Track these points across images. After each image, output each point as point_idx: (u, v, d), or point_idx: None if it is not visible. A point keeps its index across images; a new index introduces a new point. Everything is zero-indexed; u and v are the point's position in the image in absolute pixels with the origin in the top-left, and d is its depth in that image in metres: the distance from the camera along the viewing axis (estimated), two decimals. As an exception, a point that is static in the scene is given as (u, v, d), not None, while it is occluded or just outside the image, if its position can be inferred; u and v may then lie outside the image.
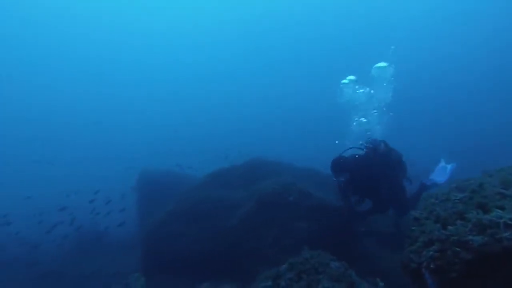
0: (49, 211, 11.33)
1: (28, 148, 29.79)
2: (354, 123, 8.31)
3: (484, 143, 18.50)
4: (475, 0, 32.49)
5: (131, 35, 41.97)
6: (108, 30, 41.29)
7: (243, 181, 7.44)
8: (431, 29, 34.49)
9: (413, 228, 3.01)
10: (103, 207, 10.72)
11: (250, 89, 38.19)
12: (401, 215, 5.66)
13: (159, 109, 37.33)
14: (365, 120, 8.31)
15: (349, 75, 8.68)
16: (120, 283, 6.37)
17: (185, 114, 35.10)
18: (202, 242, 6.10)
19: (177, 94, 39.54)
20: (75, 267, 9.59)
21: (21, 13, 36.54)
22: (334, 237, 5.23)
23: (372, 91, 8.57)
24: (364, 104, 8.47)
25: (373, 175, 5.21)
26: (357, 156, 5.52)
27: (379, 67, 8.65)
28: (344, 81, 8.91)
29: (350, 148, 5.69)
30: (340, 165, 5.25)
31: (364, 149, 5.63)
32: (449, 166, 6.13)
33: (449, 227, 2.58)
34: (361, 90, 8.69)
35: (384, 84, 8.72)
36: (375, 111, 8.37)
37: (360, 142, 5.74)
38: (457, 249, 2.39)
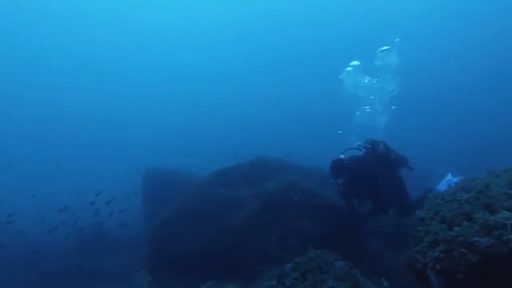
0: (53, 210, 11.32)
1: (30, 148, 29.79)
2: (358, 113, 8.28)
3: (484, 143, 18.50)
4: (475, 0, 32.46)
5: (133, 35, 41.97)
6: (110, 30, 41.27)
7: (248, 180, 7.46)
8: (431, 29, 34.46)
9: (418, 228, 3.01)
10: (105, 207, 10.71)
11: (252, 88, 38.19)
12: (403, 216, 5.67)
13: (162, 108, 37.31)
14: (369, 109, 8.30)
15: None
16: (126, 282, 6.39)
17: (186, 114, 35.10)
18: (207, 241, 6.12)
19: (178, 94, 39.51)
20: (77, 267, 9.59)
21: (22, 13, 36.46)
22: (339, 236, 5.25)
23: (375, 81, 8.56)
24: (368, 95, 8.46)
25: (372, 176, 5.20)
26: (356, 157, 5.50)
27: (384, 50, 8.63)
28: (348, 68, 8.90)
29: (349, 149, 5.67)
30: (339, 167, 5.25)
31: (363, 150, 5.61)
32: (455, 180, 6.14)
33: (455, 228, 2.57)
34: (365, 81, 8.68)
35: (389, 77, 8.72)
36: (367, 107, 8.35)
37: (359, 143, 5.72)
38: (463, 250, 2.39)
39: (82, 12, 39.00)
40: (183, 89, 40.14)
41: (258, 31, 40.71)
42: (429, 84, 30.64)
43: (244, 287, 5.39)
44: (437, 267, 2.51)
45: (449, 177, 6.14)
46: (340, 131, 7.95)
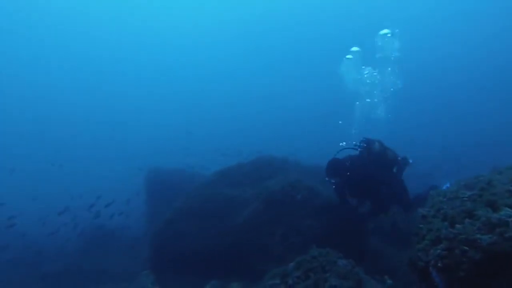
0: (54, 212, 11.34)
1: (31, 149, 29.79)
2: (357, 102, 8.25)
3: (485, 142, 18.47)
4: (475, 0, 32.40)
5: (134, 35, 41.98)
6: (110, 30, 41.30)
7: (251, 179, 7.48)
8: (431, 28, 34.39)
9: (420, 226, 3.02)
10: (107, 208, 10.72)
11: (254, 88, 38.15)
12: (404, 212, 5.68)
13: (164, 108, 37.32)
14: (369, 100, 8.28)
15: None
16: (129, 282, 6.41)
17: (187, 114, 35.09)
18: (210, 240, 6.15)
19: (180, 93, 39.51)
20: (79, 268, 9.61)
21: (22, 13, 36.49)
22: (341, 235, 5.26)
23: (375, 73, 8.54)
24: (369, 88, 8.44)
25: (368, 176, 5.17)
26: (351, 157, 5.47)
27: (385, 34, 8.60)
28: (348, 56, 8.86)
29: (345, 148, 5.65)
30: (334, 166, 5.24)
31: (358, 149, 5.58)
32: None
33: (457, 226, 2.56)
34: (365, 72, 8.65)
35: (389, 69, 8.71)
36: (368, 100, 8.32)
37: (354, 142, 5.68)
38: (465, 248, 2.38)
39: (82, 12, 39.05)
40: (185, 89, 40.15)
41: (259, 30, 40.69)
42: (428, 83, 30.57)
43: (247, 286, 5.41)
44: (439, 264, 2.50)
45: (447, 185, 6.17)
46: (341, 122, 7.93)
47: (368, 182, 5.15)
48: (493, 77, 28.52)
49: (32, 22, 38.17)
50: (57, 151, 26.26)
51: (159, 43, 43.07)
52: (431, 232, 2.81)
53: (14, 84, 38.89)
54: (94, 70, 41.44)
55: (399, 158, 5.68)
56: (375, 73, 8.68)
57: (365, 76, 8.62)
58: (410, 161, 5.94)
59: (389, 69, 8.60)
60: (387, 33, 8.62)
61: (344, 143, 5.69)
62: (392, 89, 8.48)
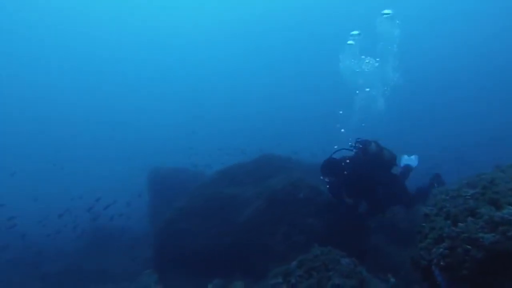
0: (55, 212, 11.43)
1: (32, 149, 29.97)
2: (357, 91, 8.16)
3: (486, 140, 18.26)
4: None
5: (135, 35, 42.02)
6: (111, 29, 41.38)
7: (253, 178, 7.47)
8: (430, 28, 34.00)
9: (423, 224, 3.00)
10: (110, 208, 10.76)
11: (257, 86, 38.08)
12: (406, 209, 5.65)
13: (167, 108, 37.40)
14: (368, 89, 8.19)
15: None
16: (131, 281, 6.45)
17: (190, 113, 35.11)
18: (213, 239, 6.17)
19: (183, 93, 39.54)
20: (81, 268, 9.66)
21: (23, 12, 36.64)
22: (344, 233, 5.24)
23: (377, 60, 8.45)
24: (369, 75, 8.35)
25: (363, 176, 5.12)
26: (347, 157, 5.41)
27: (386, 14, 8.50)
28: (349, 42, 8.77)
29: (342, 149, 5.58)
30: (329, 166, 5.20)
31: (354, 150, 5.52)
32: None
33: (460, 224, 2.55)
34: (366, 61, 8.56)
35: (390, 59, 8.61)
36: (367, 89, 8.24)
37: (350, 143, 5.62)
38: (468, 246, 2.37)
39: (82, 11, 39.09)
40: (187, 88, 40.19)
41: (261, 29, 40.61)
42: (429, 81, 30.29)
43: (250, 285, 5.42)
44: (441, 263, 2.49)
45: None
46: (341, 111, 7.85)
47: (363, 183, 5.10)
48: (497, 74, 28.15)
49: (31, 21, 38.21)
50: (58, 151, 26.39)
51: (161, 43, 43.10)
52: (433, 230, 2.80)
53: (15, 84, 39.10)
54: (94, 69, 41.55)
55: (396, 159, 5.61)
56: (376, 64, 8.58)
57: (366, 63, 8.51)
58: (414, 165, 5.89)
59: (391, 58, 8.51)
60: (388, 13, 8.52)
61: (336, 146, 5.62)
62: (393, 81, 8.38)
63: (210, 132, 28.56)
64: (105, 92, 40.29)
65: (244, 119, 32.40)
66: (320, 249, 3.98)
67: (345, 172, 5.12)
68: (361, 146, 5.35)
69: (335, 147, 5.56)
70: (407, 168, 6.04)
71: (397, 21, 8.87)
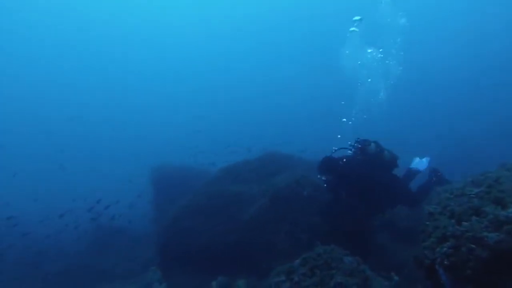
0: (57, 213, 11.50)
1: (35, 149, 30.13)
2: (359, 83, 8.10)
3: (491, 137, 18.03)
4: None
5: (141, 33, 42.07)
6: (117, 28, 41.47)
7: (257, 176, 7.49)
8: (434, 22, 33.59)
9: (427, 223, 2.98)
10: (109, 210, 10.80)
11: (262, 84, 37.97)
12: (412, 207, 5.60)
13: (172, 106, 37.49)
14: (370, 80, 8.12)
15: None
16: (136, 279, 6.50)
17: (196, 111, 35.17)
18: (217, 237, 6.18)
19: (188, 91, 39.58)
20: (84, 267, 9.68)
21: (24, 12, 36.79)
22: (347, 231, 5.22)
23: (380, 51, 8.37)
24: (372, 64, 8.28)
25: (361, 176, 5.04)
26: (345, 156, 5.35)
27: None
28: (352, 28, 8.68)
29: (341, 148, 5.51)
30: (327, 164, 5.13)
31: (352, 150, 5.44)
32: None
33: (464, 223, 2.53)
34: (369, 50, 8.48)
35: (393, 51, 8.54)
36: (370, 79, 8.16)
37: (349, 142, 5.55)
38: (472, 245, 2.35)
39: (87, 10, 39.21)
40: (192, 87, 40.21)
41: (265, 26, 40.47)
42: (430, 79, 30.00)
43: (253, 283, 5.43)
44: (445, 262, 2.48)
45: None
46: (343, 102, 7.80)
47: (359, 183, 5.02)
48: (503, 70, 27.74)
49: (34, 20, 38.38)
50: (61, 151, 26.51)
51: (165, 41, 43.13)
52: (437, 229, 2.78)
53: (17, 85, 39.32)
54: (97, 68, 41.66)
55: (397, 160, 5.52)
56: (380, 55, 8.50)
57: (369, 52, 8.43)
58: (422, 168, 5.82)
59: (393, 51, 8.43)
60: None
61: (335, 148, 5.56)
62: (396, 73, 8.30)
63: (216, 130, 28.57)
64: (110, 91, 40.42)
65: (250, 117, 32.36)
66: (323, 247, 3.96)
67: (341, 171, 5.05)
68: (359, 146, 5.26)
69: (334, 148, 5.49)
70: (413, 171, 5.97)
71: (400, 13, 8.78)
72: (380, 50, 8.43)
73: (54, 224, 11.33)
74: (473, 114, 22.85)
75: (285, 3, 38.39)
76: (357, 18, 8.50)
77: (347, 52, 8.58)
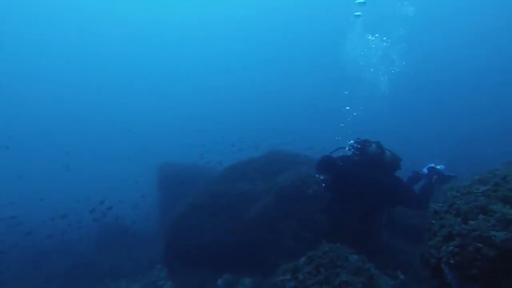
0: (61, 213, 11.58)
1: (38, 151, 30.35)
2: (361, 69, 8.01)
3: (499, 135, 17.77)
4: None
5: (143, 33, 42.16)
6: (118, 28, 41.57)
7: (262, 174, 7.48)
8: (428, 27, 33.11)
9: (433, 221, 2.95)
10: (110, 210, 10.86)
11: (268, 82, 37.92)
12: (417, 209, 5.50)
13: (179, 104, 37.58)
14: (372, 70, 8.05)
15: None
16: (142, 276, 6.53)
17: (204, 109, 35.22)
18: (222, 235, 6.18)
19: (194, 89, 39.65)
20: (91, 265, 9.78)
21: (28, 11, 36.95)
22: (353, 230, 5.19)
23: (384, 42, 8.29)
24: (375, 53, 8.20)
25: (357, 177, 4.94)
26: (344, 156, 5.23)
27: None
28: (356, 13, 8.57)
29: (340, 148, 5.39)
30: (325, 163, 5.03)
31: (351, 150, 5.26)
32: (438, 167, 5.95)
33: (471, 222, 2.50)
34: (372, 39, 8.39)
35: (396, 41, 8.44)
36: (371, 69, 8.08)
37: (349, 142, 5.37)
38: (479, 244, 2.33)
39: (93, 11, 39.32)
40: (197, 85, 40.29)
41: (268, 23, 40.34)
42: (434, 77, 29.66)
43: (259, 281, 5.44)
44: (451, 261, 2.45)
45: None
46: (347, 92, 7.75)
47: (356, 183, 4.93)
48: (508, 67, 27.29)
49: (40, 20, 38.62)
50: (67, 152, 26.65)
51: (170, 40, 43.22)
52: (443, 228, 2.75)
53: (26, 84, 39.66)
54: (101, 68, 41.86)
55: (399, 161, 5.38)
56: (384, 44, 8.40)
57: (371, 41, 8.34)
58: (425, 171, 5.72)
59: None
60: None
61: (340, 137, 5.48)
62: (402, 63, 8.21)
63: (223, 128, 28.56)
64: (116, 92, 40.63)
65: (257, 115, 32.30)
66: (329, 245, 3.94)
67: (338, 171, 4.96)
68: (359, 146, 5.11)
69: (332, 151, 5.41)
70: (417, 175, 5.85)
71: (406, 2, 8.67)
72: (384, 38, 8.35)
73: (58, 224, 11.44)
74: (475, 112, 22.62)
75: (290, 1, 38.15)
76: (361, 0, 8.40)
77: (349, 41, 8.49)
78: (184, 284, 6.18)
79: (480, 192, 2.74)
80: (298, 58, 38.23)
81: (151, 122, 34.74)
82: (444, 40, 32.65)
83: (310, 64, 35.88)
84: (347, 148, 5.25)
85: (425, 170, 5.88)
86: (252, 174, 7.59)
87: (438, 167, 5.84)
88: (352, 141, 5.22)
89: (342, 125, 6.92)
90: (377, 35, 8.37)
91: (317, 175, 5.08)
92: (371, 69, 8.04)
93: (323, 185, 5.04)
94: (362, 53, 8.23)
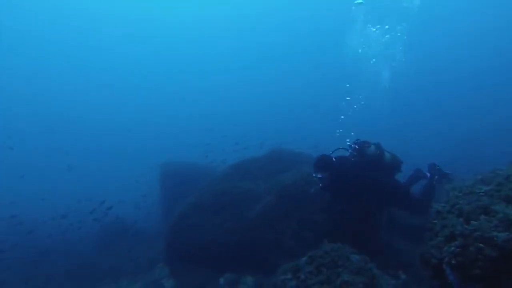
0: (61, 213, 11.63)
1: (40, 151, 30.47)
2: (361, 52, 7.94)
3: (502, 134, 17.63)
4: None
5: (144, 33, 42.24)
6: (122, 27, 41.63)
7: (265, 173, 7.46)
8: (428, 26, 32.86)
9: (434, 221, 2.93)
10: (110, 210, 10.90)
11: (276, 79, 37.86)
12: (417, 214, 5.43)
13: (183, 103, 37.64)
14: (374, 60, 8.00)
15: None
16: (144, 275, 6.55)
17: (208, 108, 35.25)
18: (224, 234, 6.19)
19: (195, 89, 39.67)
20: (92, 265, 9.78)
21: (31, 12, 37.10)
22: (353, 229, 5.17)
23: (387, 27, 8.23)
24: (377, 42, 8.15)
25: (354, 179, 4.88)
26: (342, 157, 5.17)
27: None
28: (358, 1, 8.52)
29: (340, 148, 5.34)
30: (322, 162, 4.98)
31: (349, 151, 5.22)
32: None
33: (473, 222, 2.48)
34: (374, 29, 8.35)
35: (398, 34, 8.39)
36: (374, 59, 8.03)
37: (348, 143, 5.35)
38: (481, 245, 2.31)
39: (95, 11, 39.44)
40: (201, 85, 40.31)
41: (271, 22, 40.26)
42: (426, 81, 29.46)
43: (260, 280, 5.44)
44: (453, 262, 2.44)
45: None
46: (348, 85, 7.70)
47: (354, 184, 4.88)
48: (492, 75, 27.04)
49: (42, 20, 38.74)
50: (69, 151, 26.73)
51: (172, 40, 43.24)
52: (445, 228, 2.73)
53: (29, 84, 39.81)
54: (104, 68, 41.97)
55: (399, 164, 5.30)
56: (387, 35, 8.35)
57: (373, 31, 8.29)
58: (428, 174, 5.64)
59: (398, 34, 8.29)
60: None
61: (341, 130, 5.42)
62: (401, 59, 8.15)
63: (228, 127, 28.56)
64: (117, 91, 40.74)
65: (262, 114, 32.27)
66: (330, 245, 3.92)
67: (335, 171, 4.90)
68: (357, 147, 5.06)
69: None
70: (419, 173, 5.78)
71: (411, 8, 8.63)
72: (386, 26, 8.30)
73: (59, 224, 11.49)
74: (475, 112, 22.47)
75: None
76: (359, 0, 8.37)
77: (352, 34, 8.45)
78: (186, 283, 6.19)
79: (483, 192, 2.72)
80: (300, 56, 38.11)
81: (152, 122, 34.84)
82: (444, 40, 32.43)
83: (312, 63, 35.78)
84: (345, 148, 5.23)
85: (426, 173, 5.80)
86: (255, 173, 7.57)
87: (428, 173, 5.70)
88: (348, 141, 5.20)
89: (342, 117, 6.87)
90: (378, 26, 8.32)
91: (314, 174, 5.04)
92: (373, 59, 8.01)
93: (320, 185, 5.00)
94: (362, 42, 8.20)
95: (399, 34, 8.42)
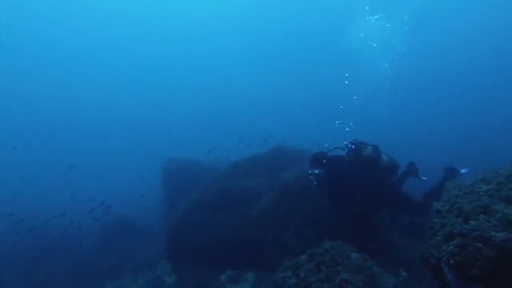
0: (62, 212, 11.69)
1: (41, 151, 30.62)
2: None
3: (503, 134, 17.51)
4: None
5: (145, 32, 42.26)
6: (122, 27, 41.66)
7: (267, 170, 7.49)
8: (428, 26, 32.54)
9: (434, 220, 2.92)
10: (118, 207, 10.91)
11: (280, 76, 37.78)
12: (417, 216, 5.37)
13: (187, 101, 37.67)
14: (375, 45, 7.97)
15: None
16: (147, 272, 6.59)
17: (211, 104, 35.25)
18: (225, 231, 6.22)
19: (198, 88, 39.67)
20: (91, 263, 9.85)
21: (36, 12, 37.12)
22: (353, 228, 5.17)
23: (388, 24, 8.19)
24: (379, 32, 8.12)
25: (347, 178, 4.86)
26: (338, 156, 5.16)
27: None
28: None
29: (337, 148, 5.32)
30: (318, 160, 4.96)
31: (345, 150, 5.19)
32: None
33: (471, 222, 2.47)
34: (376, 17, 8.31)
35: (399, 24, 8.35)
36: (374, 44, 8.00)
37: (345, 142, 5.30)
38: (479, 245, 2.30)
39: (95, 11, 39.50)
40: (203, 82, 40.29)
41: (273, 20, 40.12)
42: (436, 76, 29.26)
43: (262, 277, 5.46)
44: (451, 261, 2.43)
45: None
46: (347, 82, 7.69)
47: (347, 183, 4.86)
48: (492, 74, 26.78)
49: (42, 20, 38.82)
50: (71, 151, 26.84)
51: (172, 39, 43.21)
52: (444, 227, 2.72)
53: (31, 84, 39.96)
54: (106, 65, 42.03)
55: (396, 166, 5.25)
56: (388, 25, 8.32)
57: (375, 20, 8.27)
58: (424, 178, 5.54)
59: (399, 24, 8.28)
60: None
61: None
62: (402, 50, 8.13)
63: (232, 124, 28.56)
64: (118, 90, 40.78)
65: (265, 111, 32.23)
66: (330, 243, 3.93)
67: (329, 169, 4.88)
68: (353, 147, 5.03)
69: (329, 147, 5.35)
70: (408, 172, 5.72)
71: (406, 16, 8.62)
72: (387, 15, 8.27)
73: (59, 222, 11.55)
74: (475, 112, 22.31)
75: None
76: None
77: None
78: (188, 280, 6.23)
79: (483, 192, 2.70)
80: (302, 54, 37.97)
81: (155, 119, 34.90)
82: (444, 39, 32.18)
83: (314, 61, 35.65)
84: (342, 148, 5.22)
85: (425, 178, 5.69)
86: (257, 171, 7.60)
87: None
88: (346, 142, 5.17)
89: (341, 107, 6.85)
90: (377, 16, 8.30)
91: (310, 171, 5.01)
92: (374, 44, 8.00)
93: (315, 183, 4.99)
94: (362, 35, 8.19)
95: (399, 24, 8.40)
